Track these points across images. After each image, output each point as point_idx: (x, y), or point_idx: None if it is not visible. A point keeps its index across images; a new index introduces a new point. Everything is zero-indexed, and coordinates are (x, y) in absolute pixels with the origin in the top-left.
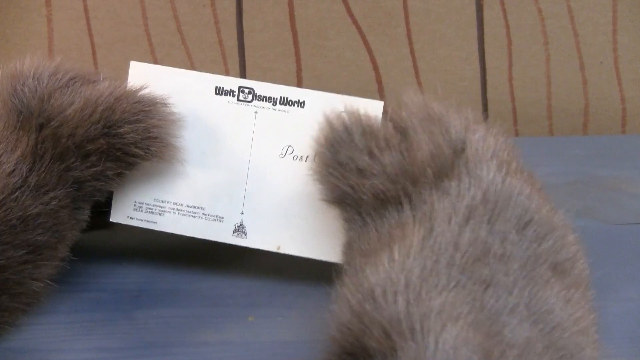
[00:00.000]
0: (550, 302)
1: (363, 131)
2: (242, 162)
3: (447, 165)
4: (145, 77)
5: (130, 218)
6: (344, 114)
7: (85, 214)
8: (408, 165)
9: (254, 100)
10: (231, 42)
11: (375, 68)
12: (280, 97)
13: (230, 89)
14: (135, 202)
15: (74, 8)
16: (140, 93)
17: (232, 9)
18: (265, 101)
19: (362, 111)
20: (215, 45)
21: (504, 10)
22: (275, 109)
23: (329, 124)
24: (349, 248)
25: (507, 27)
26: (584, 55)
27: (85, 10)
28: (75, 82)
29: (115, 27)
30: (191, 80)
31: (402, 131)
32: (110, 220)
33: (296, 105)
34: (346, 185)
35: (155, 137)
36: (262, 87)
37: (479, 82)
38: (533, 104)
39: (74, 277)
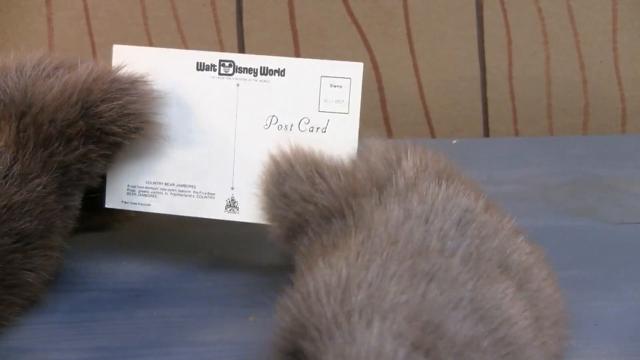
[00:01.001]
0: (497, 297)
1: (305, 162)
2: (228, 136)
3: (384, 177)
4: (128, 59)
5: (125, 202)
6: (287, 151)
7: (74, 200)
8: (349, 182)
9: (235, 73)
10: (231, 42)
11: (375, 68)
12: (261, 67)
13: (211, 64)
14: (128, 186)
15: (74, 7)
16: (118, 72)
17: (232, 8)
18: (246, 73)
19: (306, 145)
20: (215, 45)
21: (504, 10)
22: (257, 80)
23: (273, 161)
24: (299, 266)
25: (507, 26)
26: (584, 55)
27: (86, 9)
28: (58, 70)
29: (115, 26)
30: (172, 58)
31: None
32: (106, 206)
33: (277, 74)
34: (292, 213)
35: (133, 114)
36: (242, 59)
37: (479, 82)
38: (533, 103)
39: (73, 277)
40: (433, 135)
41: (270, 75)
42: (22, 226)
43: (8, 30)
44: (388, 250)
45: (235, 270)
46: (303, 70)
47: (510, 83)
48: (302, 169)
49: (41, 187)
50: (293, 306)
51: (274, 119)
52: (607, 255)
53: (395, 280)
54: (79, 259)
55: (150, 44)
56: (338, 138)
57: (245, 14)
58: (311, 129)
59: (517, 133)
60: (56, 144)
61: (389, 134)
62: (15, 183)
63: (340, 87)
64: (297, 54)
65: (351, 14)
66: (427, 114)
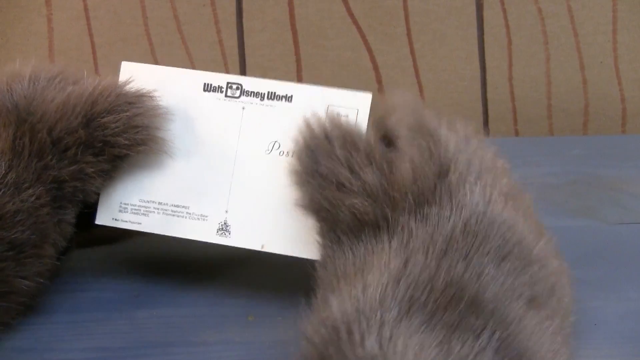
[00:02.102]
0: (523, 342)
1: (344, 142)
2: (228, 159)
3: (429, 188)
4: (136, 76)
5: (115, 220)
6: (326, 119)
7: (68, 215)
8: (388, 187)
9: (241, 96)
10: (231, 42)
11: (376, 68)
12: (268, 92)
13: (219, 86)
14: (121, 203)
15: (74, 8)
16: (125, 87)
17: (232, 9)
18: (253, 96)
19: (344, 118)
20: (215, 45)
21: (504, 10)
22: (263, 104)
23: (309, 128)
24: (323, 267)
25: (507, 27)
26: (584, 55)
27: (85, 10)
28: (67, 83)
29: (115, 27)
30: (180, 78)
31: (387, 141)
32: (96, 222)
33: (284, 99)
34: (324, 199)
35: (140, 126)
36: (250, 83)
37: (479, 82)
38: (533, 104)
39: (74, 277)
40: None
41: (277, 100)
42: (14, 235)
43: (8, 31)
44: (426, 295)
45: (236, 271)
46: (310, 98)
47: (510, 83)
48: (341, 149)
49: (34, 197)
50: (316, 337)
51: (277, 144)
52: (607, 256)
53: (428, 330)
54: (79, 259)
55: (150, 45)
56: None
57: (245, 14)
58: None
59: (517, 133)
60: (50, 156)
61: None
62: (9, 192)
63: (347, 116)
64: (297, 55)
65: (351, 14)
66: None
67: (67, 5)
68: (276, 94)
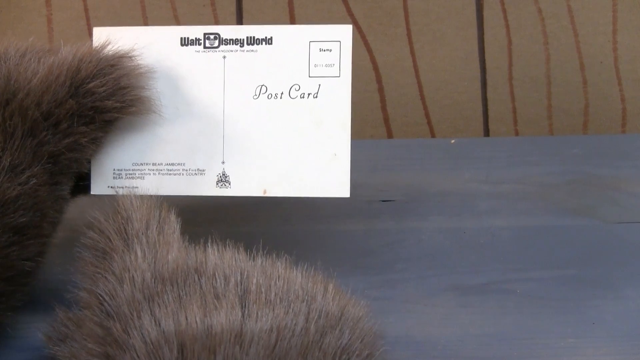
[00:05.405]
0: None
1: None
2: (217, 110)
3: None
4: (110, 40)
5: (111, 187)
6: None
7: (64, 190)
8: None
9: (220, 45)
10: None
11: (375, 68)
12: (247, 37)
13: (196, 38)
14: (114, 169)
15: (74, 8)
16: (104, 50)
17: (232, 9)
18: (233, 44)
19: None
20: None
21: (504, 10)
22: (244, 50)
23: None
24: None
25: (507, 27)
26: (584, 55)
27: (85, 10)
28: (42, 56)
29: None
30: (156, 36)
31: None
32: (92, 192)
33: (264, 42)
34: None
35: (127, 87)
36: (228, 31)
37: (479, 82)
38: (533, 104)
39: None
40: (433, 136)
41: (257, 44)
42: (17, 220)
43: (8, 31)
44: None
45: None
46: (291, 37)
47: (510, 83)
48: None
49: (34, 179)
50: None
51: (263, 89)
52: (606, 255)
53: None
54: None
55: None
56: (330, 102)
57: (245, 14)
58: (302, 96)
59: (517, 133)
60: (44, 132)
61: (389, 134)
62: (7, 177)
63: (330, 50)
64: None
65: (351, 14)
66: (427, 114)
67: (67, 5)
68: (256, 38)
